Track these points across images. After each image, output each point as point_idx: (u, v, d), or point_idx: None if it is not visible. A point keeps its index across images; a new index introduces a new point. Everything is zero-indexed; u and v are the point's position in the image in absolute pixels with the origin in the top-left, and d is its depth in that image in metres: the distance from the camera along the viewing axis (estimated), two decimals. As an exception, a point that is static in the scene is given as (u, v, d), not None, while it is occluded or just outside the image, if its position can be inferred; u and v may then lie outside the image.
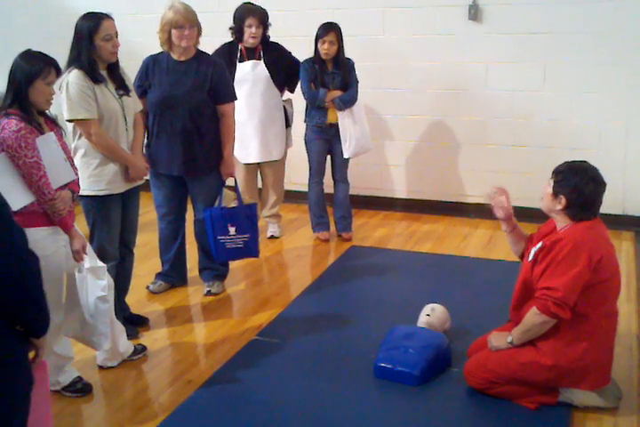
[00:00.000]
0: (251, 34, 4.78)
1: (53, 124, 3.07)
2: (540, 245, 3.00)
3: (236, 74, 4.83)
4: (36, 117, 2.95)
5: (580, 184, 2.88)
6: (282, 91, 5.06)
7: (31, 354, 2.23)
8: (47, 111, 3.04)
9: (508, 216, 3.20)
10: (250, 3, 4.92)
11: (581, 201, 2.90)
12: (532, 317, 2.92)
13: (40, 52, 2.93)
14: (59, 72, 2.98)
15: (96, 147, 3.43)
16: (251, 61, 4.89)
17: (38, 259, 2.08)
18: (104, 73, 3.45)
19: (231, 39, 4.94)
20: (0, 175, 2.83)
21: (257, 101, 4.92)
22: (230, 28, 4.90)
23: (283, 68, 4.96)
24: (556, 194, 2.93)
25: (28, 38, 5.56)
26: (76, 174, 3.13)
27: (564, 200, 2.91)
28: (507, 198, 3.17)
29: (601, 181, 2.92)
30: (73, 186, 3.09)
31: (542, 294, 2.88)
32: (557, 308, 2.83)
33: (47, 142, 2.93)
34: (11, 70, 2.93)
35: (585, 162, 2.98)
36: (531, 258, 3.03)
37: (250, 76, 4.88)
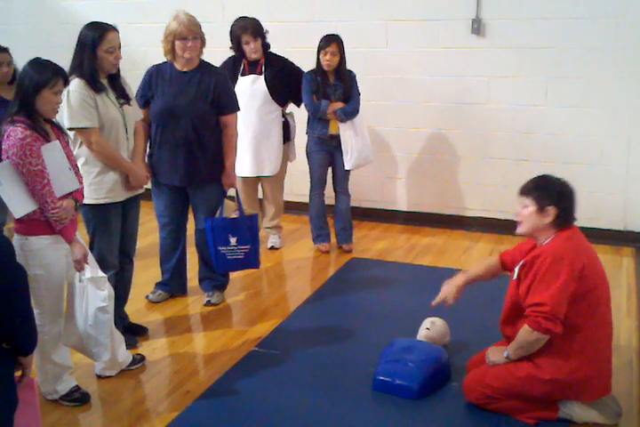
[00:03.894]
0: (250, 50, 4.80)
1: (60, 131, 3.08)
2: (521, 262, 3.03)
3: (236, 87, 4.83)
4: (43, 125, 2.95)
5: (561, 190, 2.98)
6: (284, 105, 5.06)
7: (18, 373, 2.18)
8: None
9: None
10: (244, 17, 4.92)
11: (568, 205, 2.98)
12: (525, 334, 2.92)
13: (49, 61, 2.93)
14: (66, 82, 2.99)
15: (96, 155, 3.43)
16: (251, 76, 4.89)
17: (26, 273, 2.01)
18: (105, 82, 3.45)
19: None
20: (4, 183, 2.84)
21: (252, 116, 4.90)
22: (231, 48, 4.92)
23: (285, 83, 4.95)
24: (542, 207, 2.95)
25: (32, 45, 5.60)
26: (81, 183, 3.13)
27: (553, 210, 2.93)
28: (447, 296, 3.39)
29: (569, 183, 3.04)
30: (77, 195, 3.09)
31: (531, 311, 2.89)
32: (548, 323, 2.84)
33: (52, 151, 2.94)
34: (19, 78, 2.94)
35: (545, 175, 3.06)
36: (515, 277, 3.06)
37: (248, 91, 4.87)
